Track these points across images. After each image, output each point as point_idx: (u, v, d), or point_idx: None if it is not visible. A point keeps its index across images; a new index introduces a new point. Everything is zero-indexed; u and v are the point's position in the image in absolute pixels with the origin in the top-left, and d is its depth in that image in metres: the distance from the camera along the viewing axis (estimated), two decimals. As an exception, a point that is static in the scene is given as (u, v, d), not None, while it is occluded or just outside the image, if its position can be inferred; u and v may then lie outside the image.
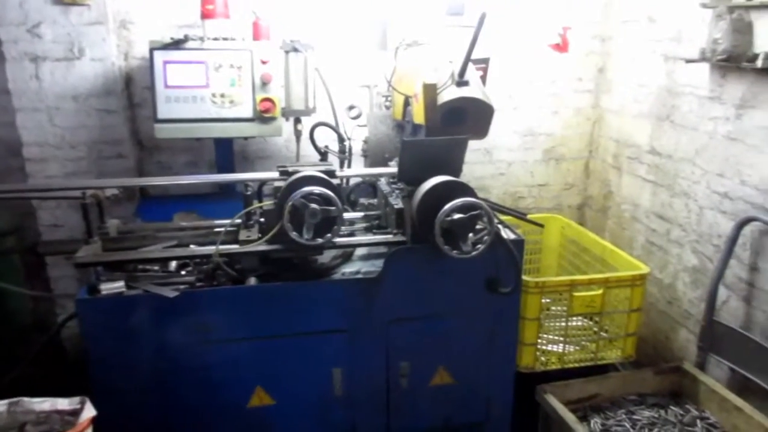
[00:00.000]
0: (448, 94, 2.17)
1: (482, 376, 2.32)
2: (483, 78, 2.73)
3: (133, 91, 2.95)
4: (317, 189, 1.96)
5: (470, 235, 1.98)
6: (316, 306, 2.11)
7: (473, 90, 2.20)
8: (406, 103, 2.37)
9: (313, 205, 1.94)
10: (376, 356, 2.20)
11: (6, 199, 2.42)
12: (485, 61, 2.71)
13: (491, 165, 3.49)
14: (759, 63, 2.17)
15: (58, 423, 1.74)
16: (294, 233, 1.95)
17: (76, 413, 1.73)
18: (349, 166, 2.87)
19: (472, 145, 3.26)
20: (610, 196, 3.38)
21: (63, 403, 1.75)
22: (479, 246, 1.93)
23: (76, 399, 1.77)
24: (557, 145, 3.52)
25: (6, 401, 1.69)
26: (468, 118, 2.19)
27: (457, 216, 1.89)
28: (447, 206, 1.86)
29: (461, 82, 2.18)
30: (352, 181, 2.70)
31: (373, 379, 2.23)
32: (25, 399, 1.72)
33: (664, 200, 2.90)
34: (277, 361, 2.13)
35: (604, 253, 2.78)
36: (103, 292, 1.96)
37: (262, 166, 3.15)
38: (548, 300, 2.59)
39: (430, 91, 2.12)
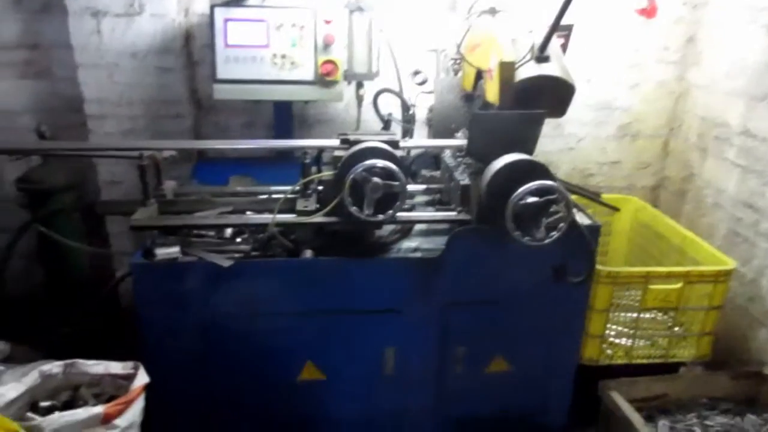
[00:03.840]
0: (526, 70, 1.98)
1: (542, 366, 2.20)
2: (564, 47, 2.51)
3: (192, 49, 2.87)
4: (380, 162, 1.84)
5: (550, 219, 1.83)
6: (371, 283, 2.02)
7: (553, 67, 2.01)
8: (478, 76, 2.19)
9: (376, 180, 1.83)
10: (431, 339, 2.11)
11: (66, 156, 2.41)
12: (568, 28, 2.49)
13: (560, 139, 3.26)
14: None
15: (111, 386, 1.73)
16: (354, 208, 1.84)
17: (129, 378, 1.72)
18: (412, 134, 2.73)
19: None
20: (691, 178, 3.11)
21: (116, 367, 1.74)
22: (553, 234, 1.77)
23: (130, 364, 1.76)
24: (634, 121, 3.25)
25: (62, 363, 1.69)
26: (546, 97, 2.01)
27: (531, 199, 1.74)
28: (522, 189, 1.71)
29: (541, 58, 2.00)
30: (414, 152, 2.57)
31: (427, 362, 2.14)
32: (80, 361, 1.72)
33: (755, 188, 2.64)
34: (329, 337, 2.07)
35: (684, 242, 2.56)
36: (158, 257, 1.93)
37: (321, 131, 3.04)
38: (621, 291, 2.41)
39: (508, 70, 1.94)
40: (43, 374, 1.64)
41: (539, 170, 1.78)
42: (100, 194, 2.91)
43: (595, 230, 2.01)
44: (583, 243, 1.94)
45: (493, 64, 2.01)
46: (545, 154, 3.25)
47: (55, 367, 1.67)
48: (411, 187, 2.28)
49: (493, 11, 2.27)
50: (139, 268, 1.93)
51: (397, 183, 1.83)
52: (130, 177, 2.82)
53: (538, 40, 2.03)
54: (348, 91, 2.73)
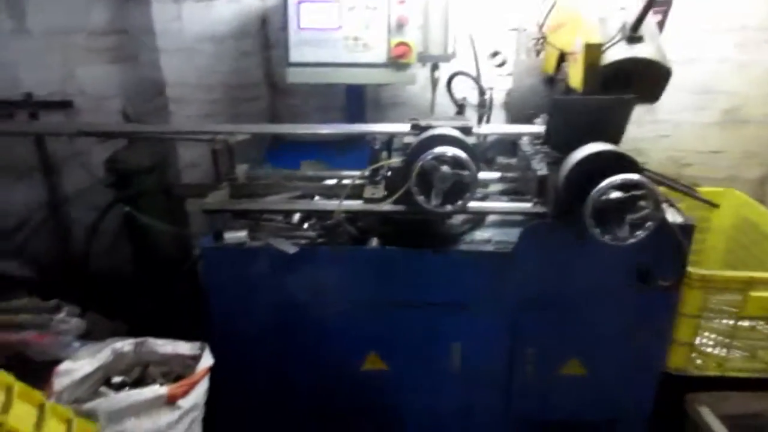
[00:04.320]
0: (616, 52, 1.82)
1: (621, 373, 2.04)
2: (661, 24, 2.29)
3: (268, 33, 2.88)
4: (450, 150, 1.75)
5: (635, 216, 1.66)
6: (438, 276, 1.94)
7: (647, 48, 1.83)
8: (561, 58, 2.03)
9: (445, 168, 1.74)
10: (501, 337, 2.01)
11: (146, 139, 2.50)
12: (666, 3, 2.27)
13: (652, 126, 2.99)
14: None
15: (179, 365, 1.78)
16: (421, 197, 1.77)
17: (196, 358, 1.76)
18: (488, 119, 2.60)
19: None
20: (805, 171, 2.77)
21: (184, 348, 1.78)
22: (638, 233, 1.61)
23: (197, 344, 1.80)
24: (740, 106, 2.93)
25: (133, 341, 1.75)
26: (637, 81, 1.83)
27: (614, 194, 1.58)
28: (604, 183, 1.56)
29: (633, 38, 1.82)
30: (490, 137, 2.44)
31: (495, 361, 2.05)
32: (150, 340, 1.77)
33: None
34: (393, 329, 2.02)
35: (794, 243, 2.28)
36: (226, 240, 1.95)
37: (395, 114, 2.96)
38: (717, 297, 2.18)
39: (594, 52, 1.78)
40: (115, 351, 1.71)
41: (625, 162, 1.62)
42: (181, 176, 3.01)
43: (688, 229, 1.81)
44: (674, 243, 1.75)
45: (578, 46, 1.85)
46: (634, 142, 3.00)
47: (126, 345, 1.73)
48: (485, 175, 2.18)
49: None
50: (208, 251, 1.96)
51: (467, 173, 1.73)
52: (208, 160, 2.89)
53: (631, 18, 1.84)
54: (423, 73, 2.64)
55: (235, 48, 2.79)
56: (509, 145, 2.45)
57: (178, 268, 2.76)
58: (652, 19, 2.07)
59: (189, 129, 2.41)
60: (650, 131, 3.01)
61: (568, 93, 1.99)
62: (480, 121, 2.42)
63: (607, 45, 1.87)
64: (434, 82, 2.62)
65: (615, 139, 1.78)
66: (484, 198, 2.13)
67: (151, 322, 2.33)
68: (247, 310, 2.01)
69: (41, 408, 1.10)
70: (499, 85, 2.51)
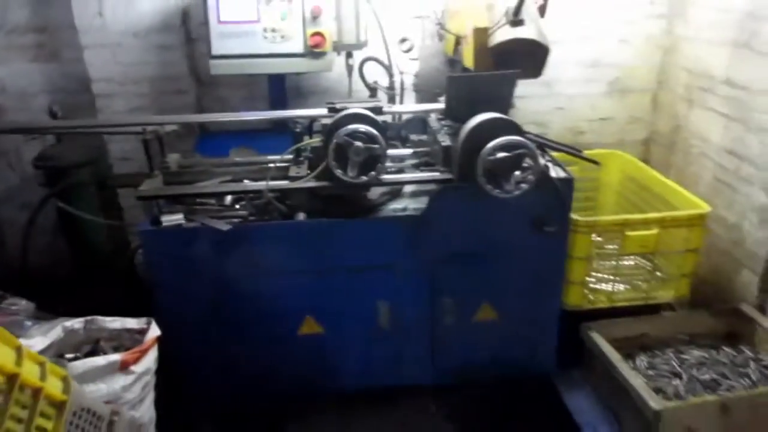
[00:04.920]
0: (501, 34, 2.08)
1: (527, 313, 2.34)
2: (542, 8, 2.59)
3: (190, 27, 2.99)
4: (362, 127, 1.97)
5: (517, 173, 1.95)
6: (362, 242, 2.17)
7: (528, 30, 2.10)
8: (458, 41, 2.29)
9: (358, 143, 1.96)
10: (421, 291, 2.26)
11: (76, 134, 2.58)
12: (547, -11, 2.55)
13: (550, 99, 3.33)
14: None
15: (128, 340, 1.93)
16: (339, 171, 1.99)
17: (143, 332, 1.91)
18: (401, 100, 2.84)
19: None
20: (679, 130, 3.18)
21: (132, 323, 1.93)
22: (523, 185, 1.90)
23: (144, 319, 1.94)
24: (623, 77, 3.31)
25: (82, 319, 1.89)
26: (521, 58, 2.11)
27: (501, 154, 1.86)
28: (489, 145, 1.84)
29: (516, 21, 2.09)
30: (405, 117, 2.68)
31: (418, 314, 2.30)
32: (99, 318, 1.91)
33: (737, 135, 2.71)
34: (326, 293, 2.23)
35: (665, 191, 2.66)
36: (164, 224, 2.10)
37: (316, 100, 3.16)
38: (601, 239, 2.53)
39: (481, 35, 2.05)
40: (66, 329, 1.84)
41: (508, 126, 1.89)
42: (113, 170, 3.09)
43: (568, 183, 2.12)
44: (558, 195, 2.06)
45: (469, 30, 2.11)
46: (536, 114, 3.35)
47: (76, 323, 1.86)
48: (400, 151, 2.42)
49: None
50: (147, 235, 2.11)
51: (377, 146, 1.96)
52: (140, 153, 2.96)
53: (513, 4, 2.12)
54: (339, 61, 2.84)
55: (159, 42, 2.89)
56: (420, 122, 2.71)
57: (117, 259, 2.87)
58: (533, 4, 2.37)
59: (118, 122, 2.51)
60: (549, 104, 3.35)
61: (465, 71, 2.25)
62: (390, 101, 2.66)
63: (494, 28, 2.14)
64: (349, 69, 2.83)
65: (503, 109, 2.06)
66: (399, 171, 2.37)
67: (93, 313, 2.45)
68: (189, 287, 2.17)
69: (18, 350, 1.26)
70: (409, 69, 2.75)
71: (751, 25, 2.58)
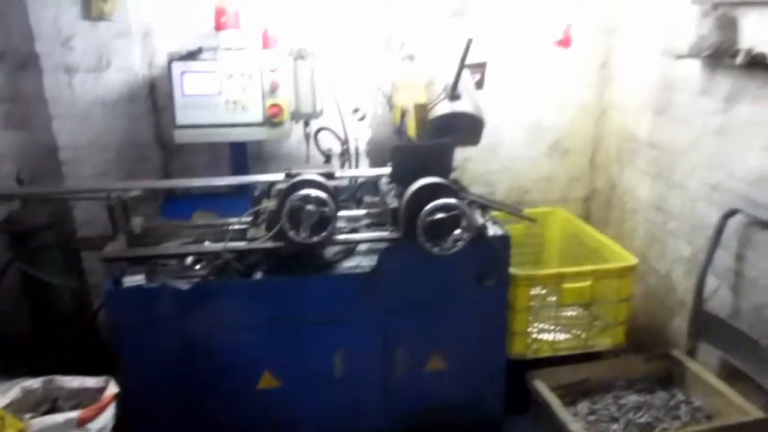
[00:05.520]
0: (440, 108, 2.32)
1: (475, 362, 2.47)
2: (480, 81, 2.87)
3: (157, 97, 3.18)
4: (313, 192, 2.14)
5: (458, 231, 2.13)
6: (316, 298, 2.30)
7: (464, 104, 2.34)
8: (403, 114, 2.53)
9: (309, 206, 2.13)
10: (374, 343, 2.38)
11: (43, 199, 2.69)
12: (482, 65, 2.85)
13: (497, 160, 3.59)
14: (739, 59, 2.23)
15: (87, 398, 1.99)
16: (291, 232, 2.14)
17: (101, 390, 1.98)
18: (356, 165, 3.05)
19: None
20: (614, 188, 3.45)
21: (90, 382, 2.00)
22: (459, 243, 2.08)
23: (102, 378, 2.02)
24: (562, 139, 3.60)
25: (41, 378, 1.95)
26: (459, 130, 2.34)
27: (439, 215, 2.05)
28: (427, 207, 2.02)
29: (453, 96, 2.34)
30: (360, 180, 2.87)
31: (372, 364, 2.41)
32: (58, 377, 1.97)
33: (662, 192, 2.98)
34: (282, 348, 2.34)
35: (599, 245, 2.88)
36: (125, 285, 2.20)
37: (276, 166, 3.32)
38: (545, 291, 2.71)
39: (421, 111, 2.29)
40: (24, 389, 1.90)
41: (445, 190, 2.09)
42: (77, 234, 3.17)
43: (505, 240, 2.32)
44: (492, 252, 2.24)
45: (411, 105, 2.35)
46: (484, 175, 3.60)
47: (35, 383, 1.93)
48: (354, 212, 2.59)
49: (411, 57, 2.62)
50: (110, 295, 2.20)
51: (327, 209, 2.13)
52: (104, 217, 3.07)
53: (451, 81, 2.37)
54: (298, 129, 3.05)
55: (126, 112, 3.05)
56: (373, 185, 2.91)
57: (79, 320, 2.92)
58: (470, 79, 2.63)
59: (83, 188, 2.63)
60: (496, 165, 3.61)
61: (409, 140, 2.47)
62: (344, 165, 2.85)
63: (434, 102, 2.38)
64: (307, 136, 3.03)
65: (444, 173, 2.26)
66: (354, 231, 2.53)
67: (59, 367, 2.48)
68: (151, 345, 2.24)
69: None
70: (362, 136, 2.96)
71: (666, 94, 2.89)
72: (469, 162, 3.57)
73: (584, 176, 3.69)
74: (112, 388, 1.94)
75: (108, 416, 1.89)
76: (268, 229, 2.33)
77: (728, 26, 2.36)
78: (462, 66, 2.27)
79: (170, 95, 2.77)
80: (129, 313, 2.22)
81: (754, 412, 2.17)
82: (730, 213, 2.40)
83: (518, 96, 3.47)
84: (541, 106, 3.52)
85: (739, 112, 2.41)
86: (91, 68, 2.96)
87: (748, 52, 2.24)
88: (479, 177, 3.58)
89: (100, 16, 2.88)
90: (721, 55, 2.36)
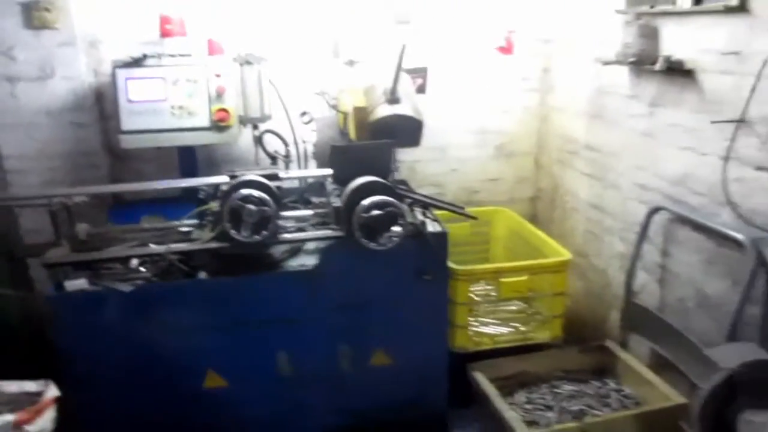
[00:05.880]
0: (380, 111, 2.41)
1: (418, 357, 2.54)
2: (423, 86, 2.98)
3: (104, 105, 3.19)
4: (255, 192, 2.19)
5: (397, 229, 2.21)
6: (259, 297, 2.35)
7: (403, 107, 2.43)
8: (345, 117, 2.60)
9: (250, 206, 2.18)
10: (318, 340, 2.44)
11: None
12: (423, 70, 2.95)
13: (445, 162, 3.69)
14: (658, 65, 2.38)
15: (27, 402, 1.98)
16: (233, 231, 2.19)
17: (41, 394, 1.98)
18: (305, 166, 3.11)
19: (427, 143, 3.51)
20: (557, 188, 3.59)
21: (30, 386, 2.00)
22: (394, 239, 2.16)
23: (42, 381, 2.02)
24: (508, 142, 3.73)
25: (-22, 384, 1.95)
26: (399, 131, 2.43)
27: (375, 212, 2.12)
28: (362, 204, 2.09)
29: (393, 99, 2.43)
30: (310, 181, 2.93)
31: (317, 362, 2.46)
32: (-4, 382, 1.97)
33: (598, 192, 3.12)
34: (228, 347, 2.37)
35: (539, 242, 3.00)
36: (67, 289, 2.21)
37: (228, 169, 3.35)
38: (489, 287, 2.81)
39: (360, 113, 2.38)
40: (-39, 394, 1.89)
41: (381, 188, 2.17)
42: (23, 242, 3.15)
43: (442, 236, 2.40)
44: (429, 248, 2.32)
45: (350, 108, 2.43)
46: (434, 176, 3.70)
47: (-28, 388, 1.92)
48: (301, 213, 2.65)
49: (351, 63, 2.70)
50: (52, 300, 2.21)
51: (268, 209, 2.18)
52: (50, 225, 3.08)
53: (390, 85, 2.46)
54: (248, 132, 3.10)
55: (72, 120, 3.06)
56: (320, 186, 2.97)
57: (26, 328, 2.90)
58: (410, 83, 2.73)
59: (24, 194, 2.62)
60: (444, 167, 3.71)
61: (351, 142, 2.55)
62: (287, 168, 2.91)
63: (375, 104, 2.47)
64: (256, 140, 3.08)
65: (383, 173, 2.34)
66: (300, 230, 2.58)
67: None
68: (95, 349, 2.25)
69: None
70: (310, 139, 3.03)
71: (599, 99, 3.04)
72: (419, 164, 3.67)
73: (530, 177, 3.83)
74: (52, 391, 1.95)
75: (47, 419, 1.90)
76: (213, 230, 2.37)
77: (650, 35, 2.51)
78: (399, 71, 2.36)
79: (115, 102, 2.79)
80: (71, 318, 2.22)
81: (676, 398, 2.30)
82: (655, 210, 2.54)
83: (464, 100, 3.59)
84: (487, 110, 3.64)
85: (662, 115, 2.56)
86: (35, 77, 2.96)
87: (667, 58, 2.39)
88: (429, 178, 3.69)
89: (44, 25, 2.89)
90: (644, 61, 2.51)
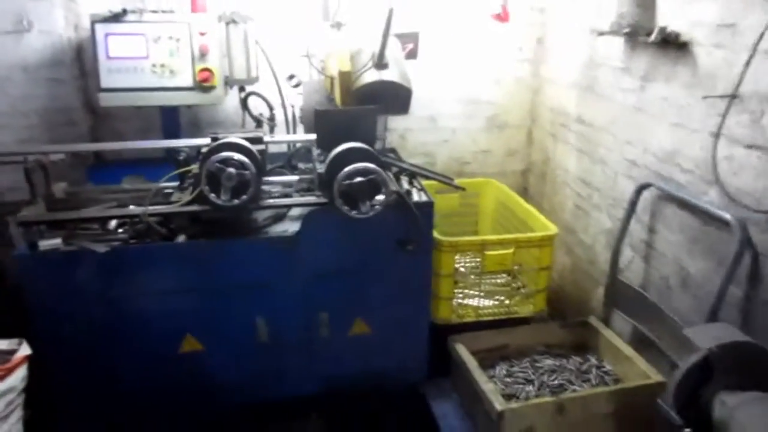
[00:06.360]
0: (367, 77, 2.33)
1: (398, 327, 2.52)
2: (413, 52, 2.89)
3: (84, 61, 3.08)
4: (235, 155, 2.13)
5: (380, 197, 2.16)
6: (239, 261, 2.30)
7: (391, 73, 2.35)
8: (332, 82, 2.52)
9: (230, 169, 2.12)
10: (297, 307, 2.41)
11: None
12: (414, 36, 2.86)
13: (436, 132, 3.63)
14: (652, 37, 2.31)
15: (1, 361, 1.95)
16: (212, 195, 2.13)
17: (13, 353, 1.95)
18: (294, 131, 3.04)
19: (418, 112, 3.45)
20: (548, 162, 3.54)
21: (2, 344, 1.96)
22: (377, 207, 2.11)
23: (15, 340, 1.98)
24: (500, 113, 3.66)
25: (-53, 342, 1.91)
26: (386, 98, 2.36)
27: (357, 180, 2.07)
28: (343, 171, 2.04)
29: (380, 65, 2.35)
30: (298, 146, 2.86)
31: (295, 329, 2.44)
32: (-34, 340, 1.93)
33: (587, 167, 3.07)
34: (205, 312, 2.34)
35: (526, 215, 2.96)
36: (41, 248, 2.16)
37: (212, 132, 3.29)
38: (477, 258, 2.78)
39: (345, 79, 2.30)
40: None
41: (364, 154, 2.11)
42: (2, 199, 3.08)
43: (428, 206, 2.36)
44: (414, 217, 2.28)
45: (336, 73, 2.35)
46: (424, 145, 3.64)
47: (-58, 345, 1.88)
48: (285, 178, 2.60)
49: (338, 25, 2.61)
50: (23, 259, 2.16)
51: (248, 172, 2.12)
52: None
53: (377, 50, 2.37)
54: (233, 95, 3.02)
55: (50, 76, 2.96)
56: (307, 152, 2.91)
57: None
58: (399, 48, 2.64)
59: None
60: (435, 137, 3.65)
61: (336, 107, 2.48)
62: (271, 132, 2.84)
63: (362, 70, 2.39)
64: (242, 103, 3.00)
65: (369, 140, 2.28)
66: (286, 196, 2.53)
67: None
68: (69, 311, 2.22)
69: None
70: (297, 103, 2.95)
71: (592, 71, 2.97)
72: (410, 132, 3.60)
73: (522, 150, 3.77)
74: (24, 350, 1.91)
75: (18, 377, 1.87)
76: (193, 193, 2.31)
77: (646, 5, 2.42)
78: (386, 35, 2.28)
79: (94, 58, 2.70)
80: (44, 278, 2.18)
81: (654, 376, 2.30)
82: (643, 187, 2.50)
83: (456, 69, 3.50)
84: (479, 79, 3.56)
85: (653, 89, 2.50)
86: (10, 30, 2.85)
87: (662, 30, 2.31)
88: (419, 147, 3.63)
89: (19, -26, 2.77)
90: (638, 32, 2.43)
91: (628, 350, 2.50)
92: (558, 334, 2.71)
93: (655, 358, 2.45)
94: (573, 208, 3.26)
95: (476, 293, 2.73)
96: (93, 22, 2.65)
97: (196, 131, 3.29)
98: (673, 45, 2.32)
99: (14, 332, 2.66)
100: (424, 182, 2.58)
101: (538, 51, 3.53)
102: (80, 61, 3.07)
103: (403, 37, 2.76)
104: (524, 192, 3.79)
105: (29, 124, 2.98)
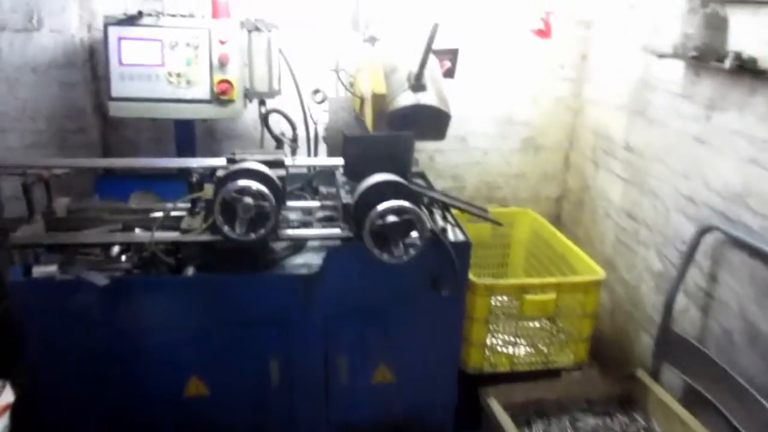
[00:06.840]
0: (403, 99, 2.10)
1: (425, 374, 2.28)
2: (451, 70, 2.64)
3: (97, 64, 2.88)
4: (253, 184, 1.90)
5: (413, 234, 1.92)
6: (253, 298, 2.08)
7: (429, 96, 2.12)
8: (362, 101, 2.29)
9: (247, 200, 1.89)
10: (314, 349, 2.17)
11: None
12: (454, 52, 2.62)
13: (466, 153, 3.39)
14: (727, 63, 2.05)
15: (-20, 406, 1.74)
16: (226, 227, 1.90)
17: (-4, 398, 1.73)
18: (316, 152, 2.81)
19: (449, 131, 3.21)
20: (587, 189, 3.28)
21: (-16, 387, 1.75)
22: (411, 250, 1.87)
23: (-1, 383, 1.77)
24: (536, 135, 3.41)
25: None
26: (422, 122, 2.12)
27: (390, 219, 1.83)
28: (376, 209, 1.80)
29: (417, 86, 2.11)
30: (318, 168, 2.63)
31: (312, 372, 2.21)
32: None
33: (634, 198, 2.81)
34: (212, 351, 2.11)
35: (567, 252, 2.70)
36: (34, 275, 1.95)
37: (229, 146, 3.08)
38: (507, 299, 2.54)
39: (379, 101, 2.06)
40: None
41: (400, 190, 1.87)
42: (4, 210, 2.88)
43: (465, 246, 2.11)
44: (450, 260, 2.03)
45: (368, 92, 2.11)
46: (453, 168, 3.40)
47: None
48: (307, 204, 2.37)
49: (372, 40, 2.37)
50: (15, 286, 1.94)
51: (267, 204, 1.89)
52: (35, 193, 2.81)
53: (416, 68, 2.13)
54: (253, 108, 2.80)
55: (60, 78, 2.77)
56: (330, 175, 2.67)
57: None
58: (437, 67, 2.40)
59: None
60: (465, 158, 3.40)
61: (367, 131, 2.24)
62: (293, 154, 2.60)
63: (396, 91, 2.15)
64: (261, 117, 2.77)
65: (402, 170, 2.03)
66: (306, 225, 2.30)
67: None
68: (63, 344, 2.00)
69: None
70: (321, 119, 2.72)
71: (645, 94, 2.71)
72: (439, 154, 3.36)
73: (558, 175, 3.51)
74: (7, 396, 1.70)
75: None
76: (206, 220, 2.09)
77: (717, 26, 2.17)
78: (428, 53, 2.04)
79: (106, 64, 2.50)
80: (37, 308, 1.97)
81: (714, 443, 2.04)
82: (707, 229, 2.23)
83: (490, 86, 3.26)
84: (516, 98, 3.32)
85: (721, 119, 2.24)
86: (20, 28, 2.66)
87: (738, 55, 2.06)
88: (448, 170, 3.39)
89: (31, -30, 2.58)
90: (707, 57, 2.18)
91: (681, 411, 2.24)
92: (600, 388, 2.46)
93: (712, 421, 2.18)
94: (614, 242, 3.00)
95: (511, 339, 2.47)
96: (106, 25, 2.44)
97: (211, 142, 3.09)
98: (748, 72, 2.05)
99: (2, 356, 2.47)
100: (455, 211, 2.34)
101: (581, 69, 3.27)
102: (93, 63, 2.87)
103: (441, 54, 2.52)
104: (557, 220, 3.53)
105: (36, 128, 2.80)
